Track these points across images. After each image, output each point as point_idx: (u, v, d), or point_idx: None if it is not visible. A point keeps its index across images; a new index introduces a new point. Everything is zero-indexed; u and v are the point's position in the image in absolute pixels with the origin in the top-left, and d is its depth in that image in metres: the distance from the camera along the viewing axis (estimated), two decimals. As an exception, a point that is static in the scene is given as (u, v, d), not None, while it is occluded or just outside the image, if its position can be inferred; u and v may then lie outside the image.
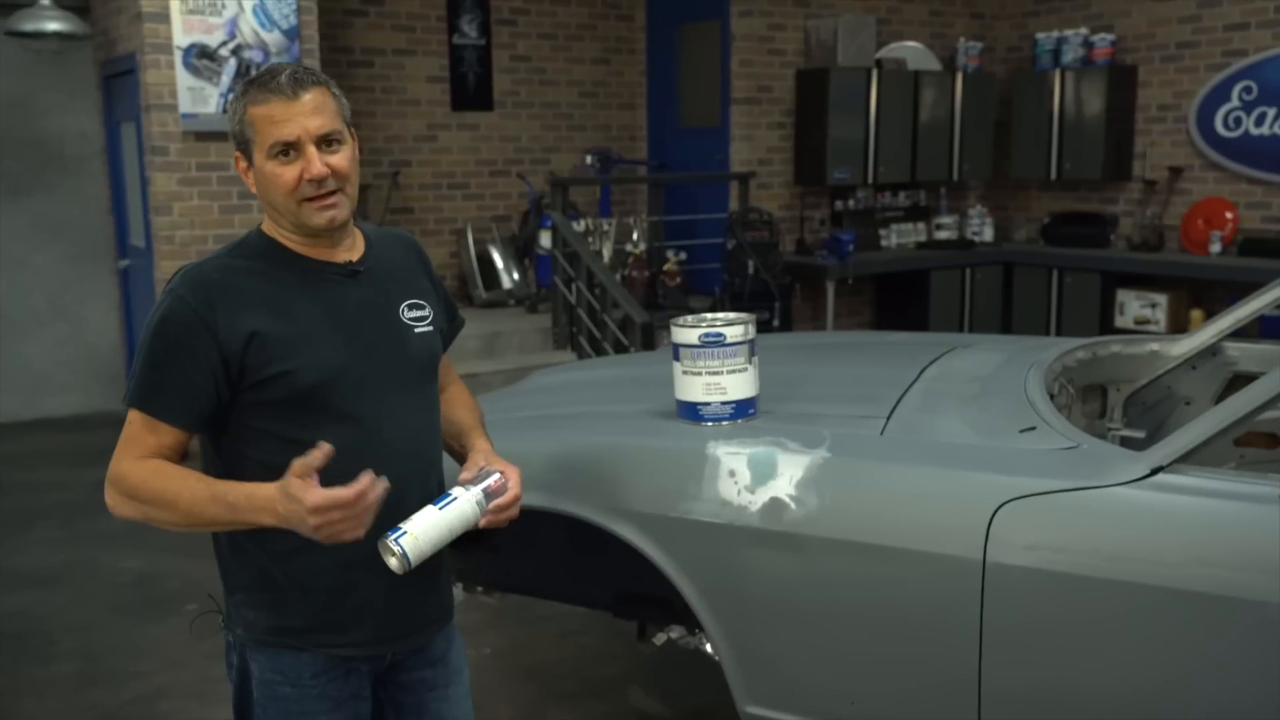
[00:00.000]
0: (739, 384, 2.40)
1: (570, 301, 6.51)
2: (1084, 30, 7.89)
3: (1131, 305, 7.47)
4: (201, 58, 5.78)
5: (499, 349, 6.63)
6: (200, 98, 5.79)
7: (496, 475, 1.78)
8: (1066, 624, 2.00)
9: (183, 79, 5.74)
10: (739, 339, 2.37)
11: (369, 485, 1.55)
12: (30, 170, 6.97)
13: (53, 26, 6.19)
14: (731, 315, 2.43)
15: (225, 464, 1.77)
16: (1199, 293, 7.41)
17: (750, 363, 2.41)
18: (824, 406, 2.57)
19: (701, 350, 2.37)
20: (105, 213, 7.15)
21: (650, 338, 5.75)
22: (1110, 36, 7.80)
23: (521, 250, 7.46)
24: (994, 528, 2.04)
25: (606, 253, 7.02)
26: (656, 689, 3.55)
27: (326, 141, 1.71)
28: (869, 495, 2.20)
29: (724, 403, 2.40)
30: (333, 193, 1.72)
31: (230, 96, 1.77)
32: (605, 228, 7.12)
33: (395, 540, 1.66)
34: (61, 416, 7.14)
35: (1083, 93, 7.82)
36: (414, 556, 1.67)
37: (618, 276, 6.71)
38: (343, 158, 1.72)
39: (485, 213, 7.68)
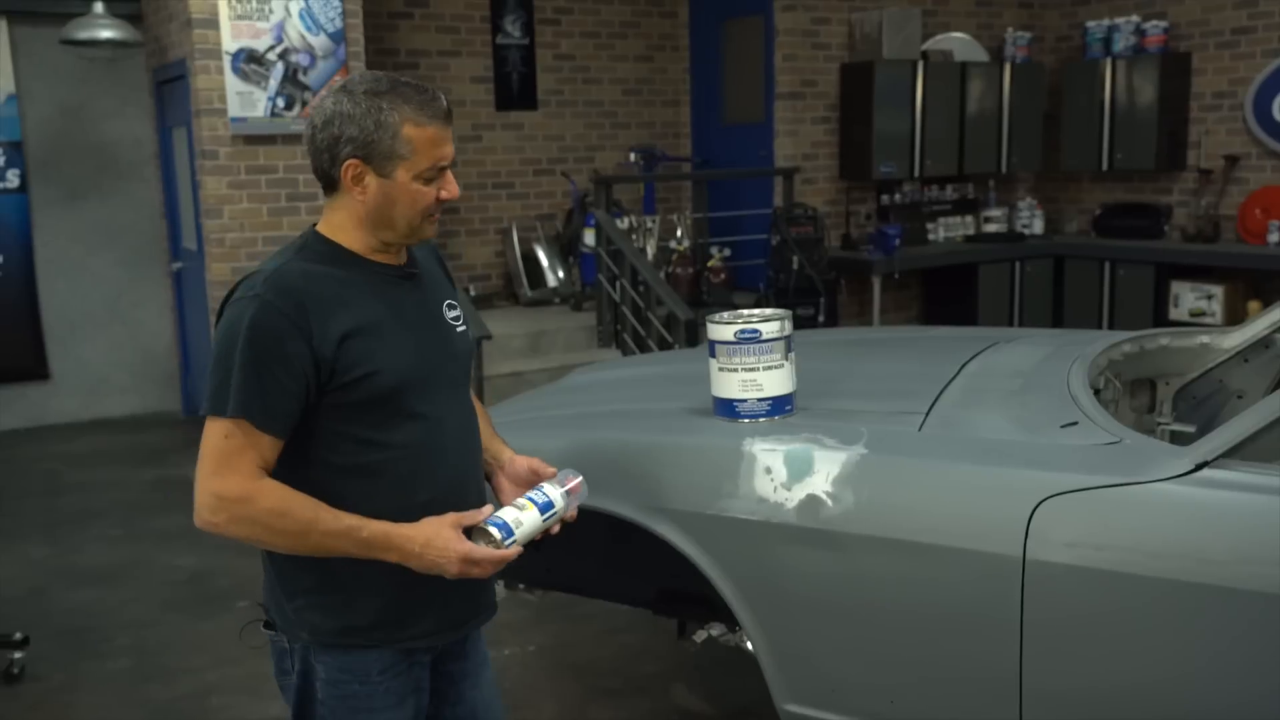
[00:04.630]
0: (775, 380, 2.38)
1: (615, 299, 6.52)
2: (1135, 18, 7.75)
3: (1186, 297, 7.33)
4: (250, 62, 5.86)
5: (544, 347, 6.66)
6: (249, 102, 5.87)
7: (577, 479, 1.91)
8: (1109, 622, 1.97)
9: (232, 84, 5.83)
10: (775, 335, 2.36)
11: (511, 556, 1.76)
12: (86, 176, 7.13)
13: (106, 34, 6.32)
14: (767, 311, 2.41)
15: (291, 466, 1.76)
16: (1257, 284, 7.24)
17: (787, 359, 2.40)
18: (862, 403, 2.55)
19: (737, 347, 2.37)
20: (159, 217, 7.29)
21: (695, 335, 5.74)
22: (1163, 24, 7.65)
23: (566, 248, 7.49)
24: (1034, 524, 2.01)
25: (650, 250, 7.02)
26: (700, 687, 3.54)
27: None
28: (906, 492, 2.18)
29: (760, 399, 2.39)
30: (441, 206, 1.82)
31: (349, 103, 1.72)
32: (649, 225, 7.12)
33: (507, 542, 1.77)
34: (118, 417, 7.30)
35: (1135, 81, 7.67)
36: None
37: (662, 274, 6.71)
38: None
39: (530, 212, 7.72)
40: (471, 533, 1.76)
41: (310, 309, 1.70)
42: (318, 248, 1.79)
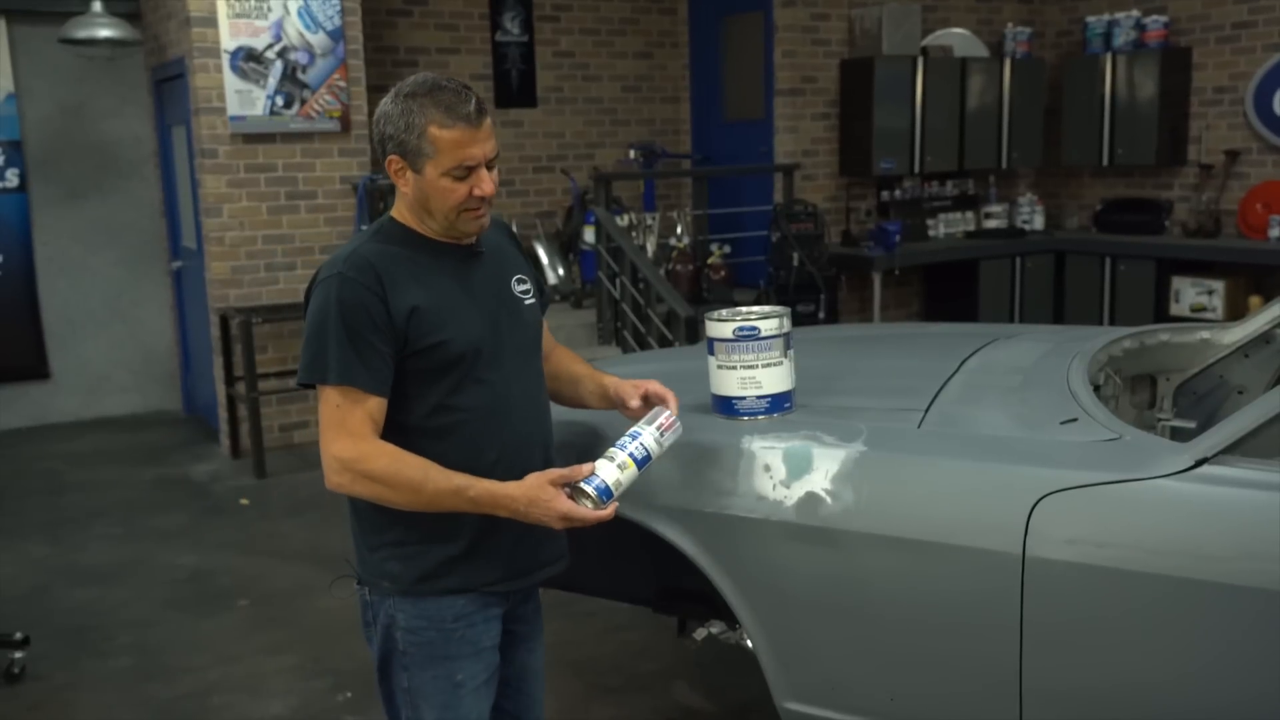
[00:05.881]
0: (774, 378, 2.38)
1: (615, 296, 6.52)
2: (1136, 13, 7.74)
3: (1188, 293, 7.32)
4: (248, 61, 5.86)
5: (545, 345, 6.64)
6: (248, 100, 5.87)
7: (666, 414, 2.02)
8: (1109, 619, 1.97)
9: (230, 82, 5.83)
10: (774, 332, 2.35)
11: (609, 515, 1.88)
12: (86, 175, 7.12)
13: (105, 33, 6.31)
14: (766, 309, 2.40)
15: None
16: (1259, 279, 7.24)
17: (786, 356, 2.39)
18: (861, 400, 2.55)
19: (736, 344, 2.36)
20: (158, 215, 7.29)
21: (695, 332, 5.73)
22: (1163, 18, 7.64)
23: (566, 246, 7.48)
24: (1033, 521, 2.00)
25: (650, 247, 7.01)
26: (701, 684, 3.54)
27: (488, 163, 1.90)
28: (905, 489, 2.18)
29: (759, 397, 2.38)
30: (484, 203, 1.92)
31: (392, 103, 1.88)
32: (649, 222, 7.11)
33: (606, 503, 1.88)
34: (119, 416, 7.31)
35: (1135, 76, 7.66)
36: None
37: (662, 271, 6.70)
38: (496, 175, 1.93)
39: (530, 209, 7.71)
40: (574, 490, 1.88)
41: (387, 281, 1.86)
42: (391, 230, 1.96)
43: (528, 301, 2.06)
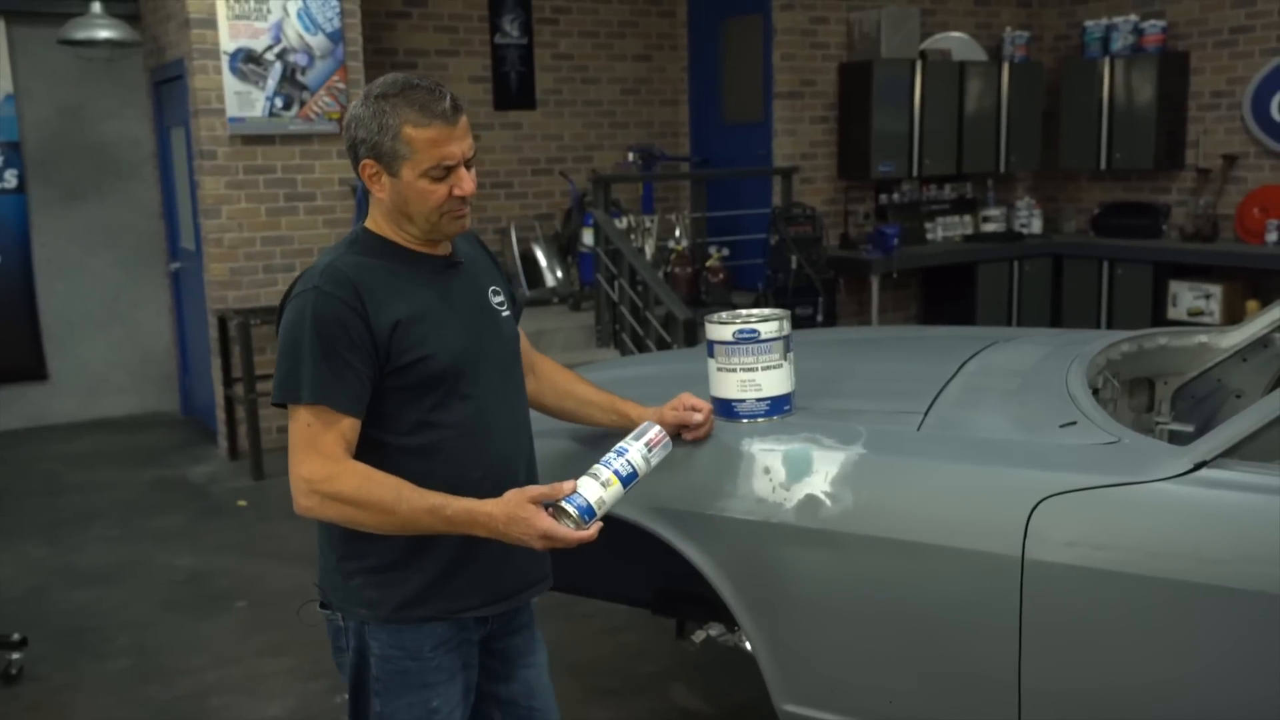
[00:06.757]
0: (774, 380, 2.38)
1: (613, 299, 6.52)
2: (1134, 17, 7.75)
3: (1185, 297, 7.33)
4: (248, 62, 5.87)
5: (543, 347, 6.65)
6: (247, 102, 5.88)
7: (656, 429, 1.94)
8: (1108, 622, 1.97)
9: (230, 83, 5.83)
10: (774, 335, 2.36)
11: (591, 536, 1.78)
12: (85, 176, 7.12)
13: (104, 34, 6.31)
14: (766, 311, 2.41)
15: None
16: (1256, 283, 7.25)
17: (785, 359, 2.40)
18: (860, 402, 2.55)
19: (736, 347, 2.36)
20: (157, 217, 7.28)
21: (693, 335, 5.74)
22: (1161, 23, 7.66)
23: (565, 248, 7.49)
24: (1032, 524, 2.01)
25: (649, 250, 7.02)
26: (699, 686, 3.54)
27: (467, 162, 1.85)
28: (905, 491, 2.18)
29: (759, 399, 2.38)
30: (464, 203, 1.86)
31: (362, 106, 1.81)
32: (648, 225, 7.12)
33: (588, 522, 1.78)
34: (117, 417, 7.30)
35: (1133, 81, 7.68)
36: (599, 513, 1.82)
37: (660, 273, 6.71)
38: (474, 174, 1.87)
39: (528, 211, 7.72)
40: (555, 508, 1.79)
41: (366, 295, 1.79)
42: (367, 241, 1.88)
43: (504, 314, 2.00)
